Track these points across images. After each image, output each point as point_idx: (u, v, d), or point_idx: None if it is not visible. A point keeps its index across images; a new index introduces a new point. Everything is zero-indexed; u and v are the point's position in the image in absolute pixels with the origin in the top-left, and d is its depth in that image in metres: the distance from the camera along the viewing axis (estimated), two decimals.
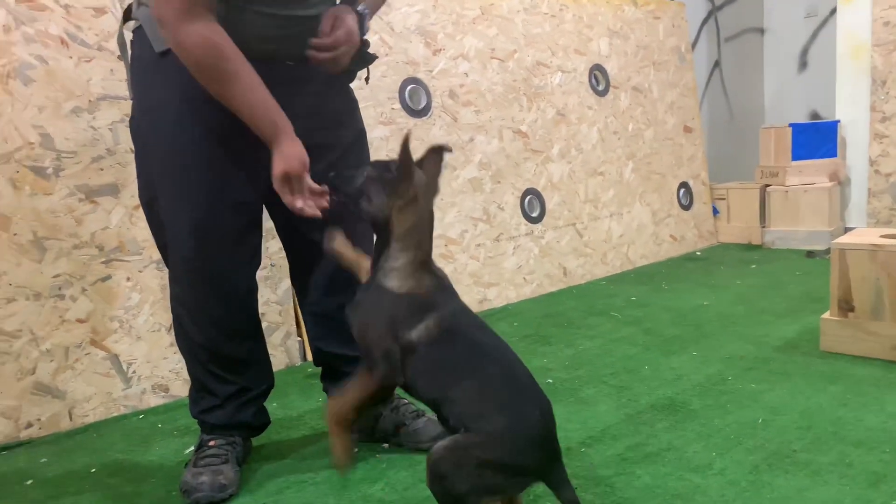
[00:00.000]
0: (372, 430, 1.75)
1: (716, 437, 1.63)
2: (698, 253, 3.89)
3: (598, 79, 3.56)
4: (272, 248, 2.36)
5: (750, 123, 5.13)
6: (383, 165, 1.31)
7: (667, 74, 3.93)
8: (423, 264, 1.29)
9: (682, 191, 3.94)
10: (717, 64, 4.87)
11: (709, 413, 1.76)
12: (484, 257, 3.01)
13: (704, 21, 4.73)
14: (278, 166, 1.38)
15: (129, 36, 1.53)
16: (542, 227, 3.25)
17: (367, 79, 1.71)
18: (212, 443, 1.61)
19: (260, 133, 1.39)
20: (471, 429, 1.20)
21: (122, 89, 2.05)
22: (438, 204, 2.85)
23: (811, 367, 2.03)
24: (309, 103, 1.54)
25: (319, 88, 1.57)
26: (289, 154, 1.38)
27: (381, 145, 2.68)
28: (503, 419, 1.19)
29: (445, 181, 2.88)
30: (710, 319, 2.58)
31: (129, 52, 1.52)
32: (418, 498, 1.45)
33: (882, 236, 2.11)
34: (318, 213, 1.40)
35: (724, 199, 4.12)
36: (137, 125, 1.49)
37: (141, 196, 1.54)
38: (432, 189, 1.31)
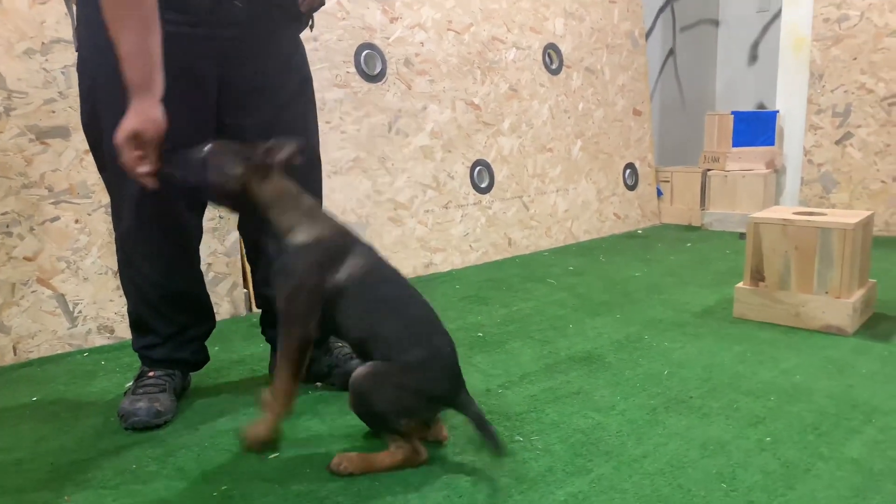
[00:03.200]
0: (307, 371, 1.85)
1: (623, 385, 1.77)
2: (640, 231, 4.06)
3: (552, 57, 3.67)
4: None
5: (701, 111, 5.31)
6: (235, 144, 1.42)
7: (619, 57, 4.06)
8: (312, 211, 1.42)
9: (627, 171, 4.10)
10: (671, 52, 5.03)
11: (621, 365, 1.90)
12: (432, 223, 3.11)
13: (661, 9, 4.87)
14: (131, 122, 1.36)
15: None
16: (490, 197, 3.36)
17: (311, 26, 1.76)
18: (151, 373, 1.70)
19: (133, 78, 1.37)
20: (393, 360, 1.33)
21: None
22: (389, 168, 2.94)
23: (722, 330, 2.19)
24: (257, 45, 1.60)
25: (267, 30, 1.61)
26: (150, 114, 1.37)
27: (335, 107, 2.75)
28: (423, 351, 1.33)
29: (398, 146, 2.97)
30: (638, 288, 2.73)
31: None
32: (344, 427, 1.56)
33: (794, 213, 2.27)
34: (155, 186, 1.42)
35: (668, 181, 4.29)
36: (85, 63, 1.54)
37: (87, 136, 1.59)
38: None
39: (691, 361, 1.92)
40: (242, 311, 2.50)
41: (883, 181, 3.71)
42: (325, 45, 2.73)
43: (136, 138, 1.37)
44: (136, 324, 1.72)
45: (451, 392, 1.34)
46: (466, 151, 3.26)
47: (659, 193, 4.33)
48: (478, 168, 3.31)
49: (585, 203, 3.83)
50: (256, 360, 2.03)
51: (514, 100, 3.46)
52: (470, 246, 3.26)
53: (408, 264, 3.00)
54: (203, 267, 2.38)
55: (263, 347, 2.12)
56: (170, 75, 1.47)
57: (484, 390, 1.74)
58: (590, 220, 3.85)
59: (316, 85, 2.71)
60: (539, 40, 3.60)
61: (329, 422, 1.60)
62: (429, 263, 3.09)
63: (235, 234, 2.47)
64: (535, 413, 1.60)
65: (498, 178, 3.39)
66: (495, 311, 2.46)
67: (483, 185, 3.34)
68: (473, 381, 1.80)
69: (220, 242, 2.43)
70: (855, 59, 3.74)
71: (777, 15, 4.96)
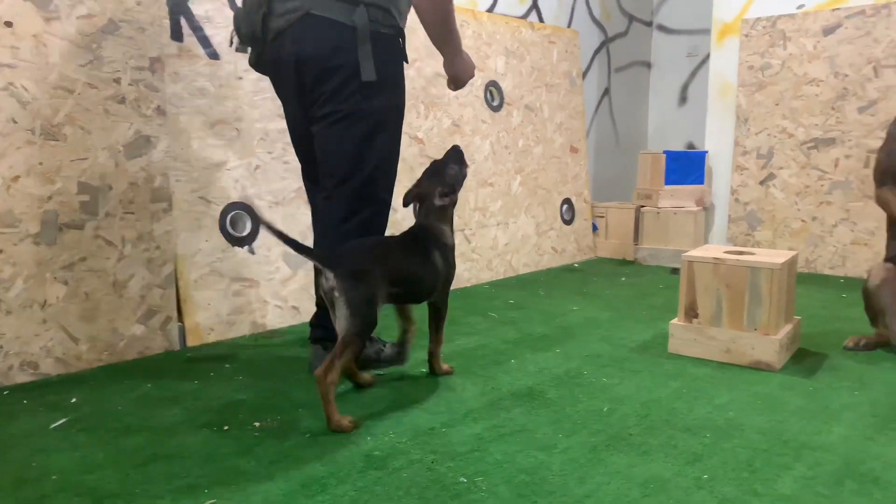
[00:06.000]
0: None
1: (565, 422, 1.79)
2: (576, 265, 4.15)
3: (493, 94, 3.75)
4: (157, 230, 2.36)
5: (634, 149, 5.51)
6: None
7: (558, 96, 4.18)
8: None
9: (564, 206, 4.19)
10: (606, 91, 5.21)
11: (562, 402, 1.93)
12: None
13: (597, 51, 5.05)
14: (469, 70, 2.25)
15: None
16: None
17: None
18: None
19: (455, 46, 2.15)
20: None
21: (5, 57, 2.02)
22: None
23: (658, 366, 2.25)
24: None
25: None
26: (470, 61, 2.25)
27: (278, 137, 2.73)
28: None
29: None
30: (577, 323, 2.78)
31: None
32: (289, 476, 1.52)
33: (725, 252, 2.37)
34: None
35: (603, 216, 4.41)
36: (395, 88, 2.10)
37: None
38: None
39: (630, 397, 1.97)
40: (177, 346, 2.42)
41: (803, 220, 3.91)
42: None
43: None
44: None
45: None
46: (409, 185, 3.26)
47: (594, 228, 4.44)
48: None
49: (525, 237, 3.89)
50: (191, 398, 1.96)
51: (456, 135, 3.51)
52: None
53: None
54: (136, 299, 2.31)
55: (199, 384, 2.06)
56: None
57: (428, 429, 1.73)
58: (529, 253, 3.91)
59: (259, 115, 2.70)
60: (481, 77, 3.66)
61: (266, 464, 1.56)
62: None
63: (170, 266, 2.39)
64: (480, 452, 1.60)
65: None
66: None
67: None
68: (417, 419, 1.79)
69: (154, 274, 2.36)
70: (777, 104, 3.96)
71: (705, 59, 5.22)
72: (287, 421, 1.79)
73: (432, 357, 2.14)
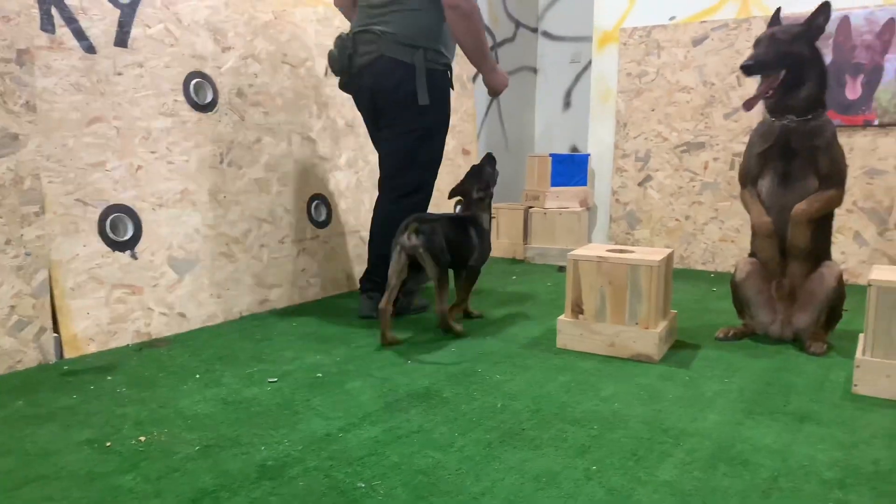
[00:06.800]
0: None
1: (461, 420, 1.83)
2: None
3: None
4: (28, 235, 2.21)
5: (522, 152, 5.68)
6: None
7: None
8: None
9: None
10: None
11: (458, 400, 1.97)
12: (268, 258, 3.03)
13: None
14: (503, 81, 2.89)
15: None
16: (329, 231, 3.34)
17: None
18: None
19: (490, 65, 2.81)
20: None
21: None
22: (221, 201, 2.83)
23: (547, 360, 2.34)
24: None
25: None
26: (503, 73, 2.90)
27: (162, 136, 2.61)
28: None
29: (230, 178, 2.87)
30: (471, 321, 2.84)
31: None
32: (178, 491, 1.47)
33: (608, 250, 2.49)
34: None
35: (495, 217, 4.52)
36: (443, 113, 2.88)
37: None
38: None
39: (522, 393, 2.03)
40: (52, 358, 2.27)
41: (677, 219, 4.17)
42: (150, 72, 2.59)
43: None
44: None
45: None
46: (303, 185, 3.22)
47: None
48: (315, 202, 3.28)
49: None
50: (69, 414, 1.84)
51: (350, 136, 3.49)
52: (308, 281, 3.21)
53: (241, 301, 2.89)
54: (5, 310, 2.16)
55: (78, 398, 1.95)
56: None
57: (324, 435, 1.72)
58: None
59: (140, 113, 2.58)
60: None
61: (153, 480, 1.50)
62: (263, 300, 3.00)
63: (44, 273, 2.24)
64: (377, 456, 1.61)
65: (336, 212, 3.39)
66: (335, 349, 2.44)
67: (321, 220, 3.31)
68: (313, 425, 1.78)
69: (26, 282, 2.20)
70: (653, 110, 4.21)
71: (587, 66, 5.46)
72: (174, 433, 1.72)
73: (446, 315, 2.60)
